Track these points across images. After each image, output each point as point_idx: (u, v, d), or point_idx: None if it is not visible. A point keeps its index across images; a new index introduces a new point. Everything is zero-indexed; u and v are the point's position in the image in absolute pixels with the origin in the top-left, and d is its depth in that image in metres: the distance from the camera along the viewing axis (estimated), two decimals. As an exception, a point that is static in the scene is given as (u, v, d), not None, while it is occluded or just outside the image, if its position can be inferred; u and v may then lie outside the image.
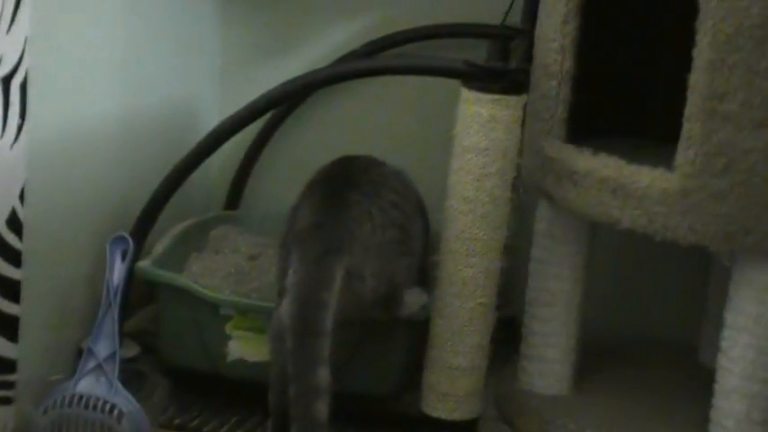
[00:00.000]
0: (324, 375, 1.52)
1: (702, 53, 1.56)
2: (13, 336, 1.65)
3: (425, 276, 1.74)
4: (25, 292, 1.65)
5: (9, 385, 1.65)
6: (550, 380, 1.82)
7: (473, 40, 2.02)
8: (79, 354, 1.70)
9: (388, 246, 1.63)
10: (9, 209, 1.61)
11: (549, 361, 1.82)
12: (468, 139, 1.65)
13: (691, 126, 1.58)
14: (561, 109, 1.73)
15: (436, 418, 1.72)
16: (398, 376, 1.79)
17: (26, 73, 1.60)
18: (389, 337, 1.74)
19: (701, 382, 1.75)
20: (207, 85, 2.21)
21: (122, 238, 1.74)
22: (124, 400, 1.64)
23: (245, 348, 1.78)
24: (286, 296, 1.56)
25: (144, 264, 1.81)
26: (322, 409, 1.52)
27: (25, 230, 1.64)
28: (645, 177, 1.63)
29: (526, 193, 1.82)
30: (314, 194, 1.65)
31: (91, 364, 1.65)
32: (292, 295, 1.55)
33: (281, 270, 1.62)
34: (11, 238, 1.62)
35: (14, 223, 1.62)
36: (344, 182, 1.65)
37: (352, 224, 1.60)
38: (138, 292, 1.88)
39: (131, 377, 1.71)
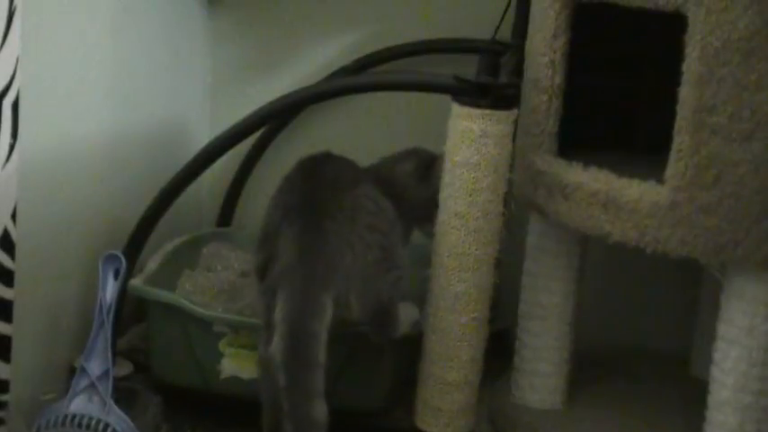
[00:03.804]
0: (321, 409, 1.51)
1: (691, 67, 1.56)
2: (5, 355, 1.64)
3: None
4: (17, 312, 1.65)
5: (1, 405, 1.64)
6: (543, 393, 1.82)
7: (464, 55, 2.02)
8: (72, 372, 1.69)
9: (369, 268, 1.62)
10: (1, 228, 1.61)
11: (541, 374, 1.82)
12: (459, 155, 1.66)
13: (680, 139, 1.58)
14: (551, 123, 1.73)
15: (429, 433, 1.72)
16: (388, 391, 1.78)
17: (18, 92, 1.60)
18: (379, 351, 1.74)
19: (693, 394, 1.75)
20: (197, 102, 2.21)
21: (115, 257, 1.73)
22: (117, 419, 1.64)
23: (238, 365, 1.78)
24: (275, 332, 1.54)
25: (136, 282, 1.81)
26: None
27: (17, 250, 1.64)
28: (635, 190, 1.63)
29: (517, 207, 1.82)
30: (291, 223, 1.61)
31: (84, 382, 1.65)
32: (282, 330, 1.53)
33: (265, 307, 1.60)
34: (3, 258, 1.62)
35: (6, 242, 1.62)
36: (320, 209, 1.62)
37: (333, 257, 1.58)
38: (129, 309, 1.88)
39: (124, 395, 1.71)
